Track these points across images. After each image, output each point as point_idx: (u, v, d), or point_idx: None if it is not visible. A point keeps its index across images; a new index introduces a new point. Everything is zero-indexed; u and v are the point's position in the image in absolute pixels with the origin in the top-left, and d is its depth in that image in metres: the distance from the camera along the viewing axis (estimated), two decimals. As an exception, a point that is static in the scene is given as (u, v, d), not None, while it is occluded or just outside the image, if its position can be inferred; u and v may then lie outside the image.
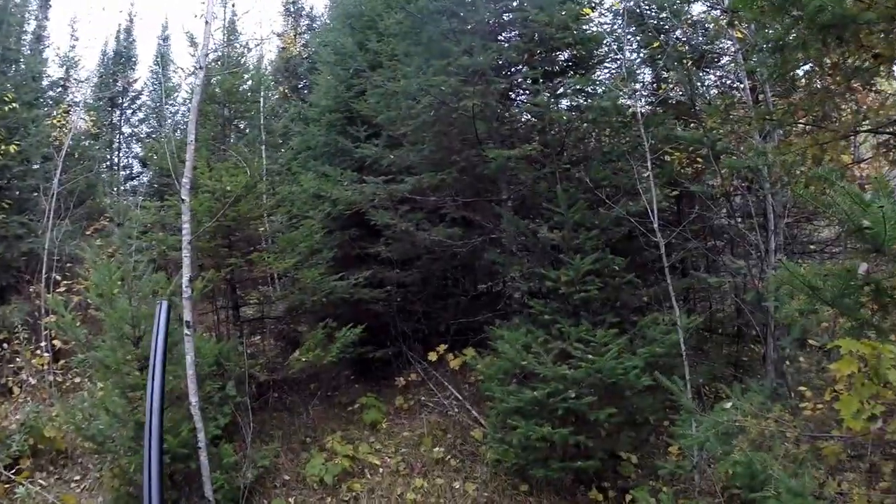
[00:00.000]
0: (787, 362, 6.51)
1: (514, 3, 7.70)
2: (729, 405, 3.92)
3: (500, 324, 6.90)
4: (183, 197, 5.97)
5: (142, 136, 21.56)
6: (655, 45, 7.67)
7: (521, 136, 7.65)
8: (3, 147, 11.24)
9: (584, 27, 7.52)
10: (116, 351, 6.09)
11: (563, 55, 7.86)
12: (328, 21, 17.53)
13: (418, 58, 7.67)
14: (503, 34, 7.97)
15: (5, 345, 9.77)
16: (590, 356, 5.79)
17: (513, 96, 8.30)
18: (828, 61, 4.54)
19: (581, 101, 7.72)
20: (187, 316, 5.92)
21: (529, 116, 7.92)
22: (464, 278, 9.07)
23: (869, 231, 2.97)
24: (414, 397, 8.35)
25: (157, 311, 1.78)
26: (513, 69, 7.93)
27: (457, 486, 6.61)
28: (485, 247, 7.59)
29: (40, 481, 7.07)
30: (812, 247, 8.72)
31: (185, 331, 5.88)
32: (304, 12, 21.26)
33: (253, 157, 8.59)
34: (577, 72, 7.60)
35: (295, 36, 19.75)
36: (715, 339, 8.77)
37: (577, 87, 7.28)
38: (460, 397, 8.06)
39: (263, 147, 9.36)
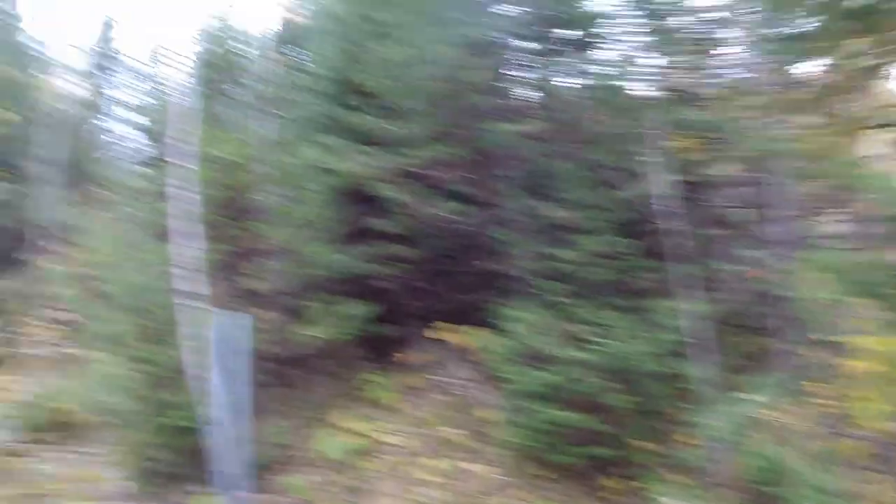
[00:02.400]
0: (802, 355, 6.43)
1: None
2: (745, 396, 3.88)
3: (504, 303, 6.79)
4: (189, 165, 5.87)
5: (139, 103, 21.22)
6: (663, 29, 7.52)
7: (527, 112, 7.53)
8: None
9: (583, 5, 7.38)
10: (123, 323, 6.05)
11: (569, 33, 7.62)
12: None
13: (425, 28, 7.53)
14: (503, 6, 7.80)
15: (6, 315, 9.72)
16: (601, 339, 5.73)
17: (519, 73, 8.11)
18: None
19: (585, 82, 7.59)
20: (196, 287, 5.89)
21: (536, 93, 7.78)
22: (466, 256, 8.97)
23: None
24: (421, 375, 8.26)
25: (214, 322, 1.76)
26: (515, 44, 7.77)
27: (466, 467, 6.60)
28: (489, 224, 7.50)
29: (59, 453, 7.17)
30: (821, 240, 8.62)
31: (193, 304, 5.84)
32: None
33: (253, 127, 8.43)
34: (578, 51, 7.47)
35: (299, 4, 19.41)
36: (729, 329, 8.69)
37: (583, 65, 7.15)
38: (467, 377, 7.99)
39: (264, 117, 9.15)
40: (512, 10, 7.68)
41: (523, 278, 7.03)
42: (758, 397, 3.78)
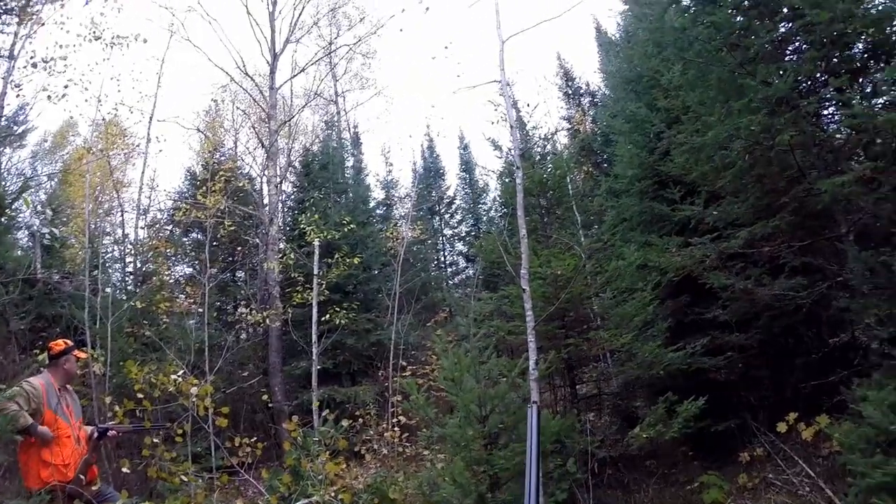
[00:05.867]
0: None
1: (786, 11, 6.82)
2: None
3: (859, 382, 5.77)
4: (523, 287, 6.43)
5: (461, 235, 24.18)
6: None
7: (845, 155, 6.73)
8: (348, 260, 13.30)
9: (868, 6, 6.29)
10: (464, 428, 6.56)
11: (858, 48, 6.66)
12: (607, 92, 18.01)
13: (717, 103, 7.24)
14: (788, 48, 7.17)
15: (360, 420, 11.22)
16: None
17: (824, 114, 7.31)
18: None
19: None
20: (534, 396, 6.21)
21: (848, 131, 6.83)
22: (809, 333, 7.97)
23: None
24: (759, 475, 7.42)
25: (529, 415, 1.91)
26: (814, 84, 6.99)
27: None
28: (831, 293, 6.66)
29: None
30: None
31: (532, 410, 6.11)
32: (582, 91, 22.07)
33: (573, 240, 8.89)
34: (879, 61, 6.45)
35: (582, 115, 20.59)
36: None
37: (889, 78, 6.07)
38: (812, 473, 6.93)
39: (580, 228, 9.71)
40: (793, 48, 7.06)
41: (878, 349, 6.01)
42: None
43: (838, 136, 7.10)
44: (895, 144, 6.09)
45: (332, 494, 5.82)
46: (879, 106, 6.49)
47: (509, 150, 10.31)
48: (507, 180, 11.43)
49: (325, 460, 6.44)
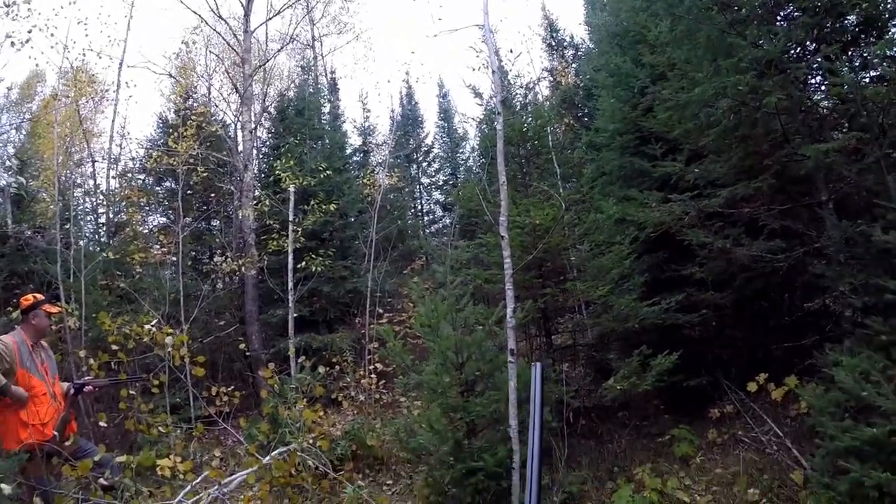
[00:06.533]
0: None
1: None
2: None
3: (832, 347, 5.96)
4: (502, 234, 6.38)
5: (439, 184, 24.06)
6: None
7: (830, 124, 6.80)
8: (324, 206, 13.29)
9: None
10: (441, 375, 6.67)
11: (851, 19, 6.67)
12: (592, 46, 17.78)
13: (705, 61, 7.17)
14: (781, 12, 7.07)
15: (337, 367, 11.38)
16: None
17: (812, 81, 7.31)
18: None
19: (887, 69, 6.38)
20: (511, 344, 6.27)
21: (835, 100, 6.85)
22: (783, 297, 8.12)
23: None
24: (728, 431, 7.67)
25: (533, 372, 1.89)
26: (804, 51, 6.96)
27: None
28: (807, 259, 6.74)
29: (359, 482, 8.01)
30: None
31: (510, 358, 6.23)
32: (565, 43, 21.73)
33: (553, 190, 8.86)
34: (871, 35, 6.50)
35: (565, 67, 20.30)
36: None
37: (879, 52, 6.11)
38: (780, 433, 7.17)
39: (559, 179, 9.66)
40: (786, 13, 6.97)
41: (850, 317, 6.17)
42: None
43: (824, 104, 7.14)
44: (881, 118, 6.12)
45: (311, 441, 5.88)
46: (868, 80, 6.60)
47: (491, 97, 10.14)
48: (486, 128, 11.30)
49: (302, 408, 6.49)
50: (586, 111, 15.82)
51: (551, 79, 19.75)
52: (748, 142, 7.22)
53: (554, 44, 21.42)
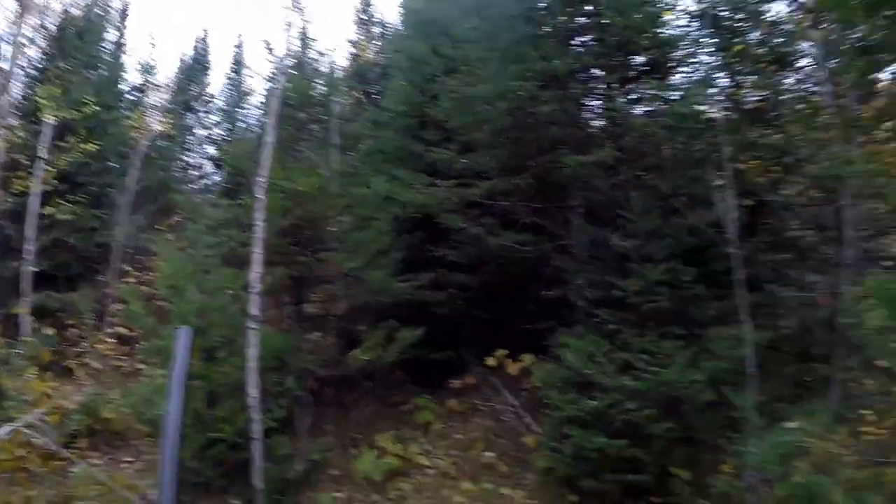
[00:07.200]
0: (853, 384, 6.12)
1: (590, 8, 7.48)
2: (792, 425, 3.65)
3: (564, 331, 6.78)
4: (258, 195, 6.10)
5: (215, 138, 22.33)
6: (735, 48, 7.24)
7: (597, 141, 7.47)
8: (84, 146, 11.87)
9: (661, 30, 7.32)
10: (179, 340, 6.21)
11: (640, 59, 7.58)
12: (400, 28, 17.79)
13: (495, 63, 7.61)
14: (579, 38, 7.76)
15: (73, 329, 10.11)
16: (653, 368, 5.69)
17: (588, 102, 8.07)
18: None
19: (657, 107, 7.42)
20: (254, 310, 6.06)
21: (605, 122, 7.71)
22: (530, 285, 8.82)
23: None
24: (468, 401, 8.27)
25: (178, 338, 1.71)
26: (588, 74, 7.71)
27: (505, 492, 6.55)
28: (553, 254, 7.45)
29: (95, 460, 7.33)
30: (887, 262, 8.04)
31: (251, 324, 5.98)
32: (375, 20, 21.57)
33: (325, 160, 8.67)
34: (653, 76, 7.36)
35: (367, 42, 20.06)
36: (779, 356, 8.27)
37: (654, 92, 7.07)
38: (515, 403, 7.96)
39: (336, 150, 9.46)
40: (586, 40, 7.64)
41: (583, 307, 6.96)
42: (805, 425, 3.51)
43: (596, 123, 7.96)
44: (643, 146, 7.08)
45: (40, 417, 5.13)
46: (639, 112, 7.52)
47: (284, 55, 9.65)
48: (273, 86, 10.73)
49: (31, 377, 5.68)
50: (378, 90, 15.81)
51: (352, 51, 19.45)
52: (518, 143, 7.76)
53: (366, 18, 21.14)
